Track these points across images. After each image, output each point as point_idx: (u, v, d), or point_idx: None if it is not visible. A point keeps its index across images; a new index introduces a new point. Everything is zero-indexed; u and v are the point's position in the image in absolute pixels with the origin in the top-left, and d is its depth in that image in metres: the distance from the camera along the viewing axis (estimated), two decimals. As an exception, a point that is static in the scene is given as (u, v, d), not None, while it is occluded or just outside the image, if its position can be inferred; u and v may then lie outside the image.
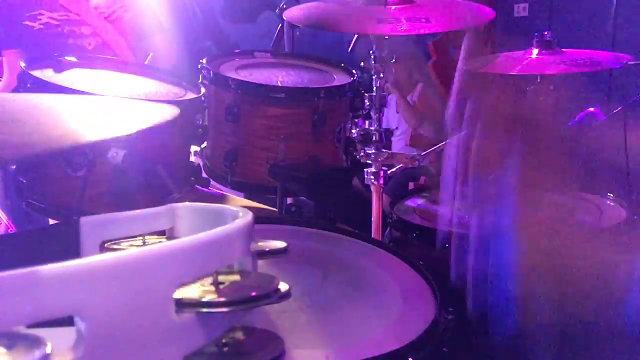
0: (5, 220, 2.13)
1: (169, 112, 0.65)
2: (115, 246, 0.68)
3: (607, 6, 4.06)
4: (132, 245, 0.69)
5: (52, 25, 2.35)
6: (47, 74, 1.56)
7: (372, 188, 1.88)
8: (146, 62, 2.53)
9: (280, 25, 2.55)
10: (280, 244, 0.68)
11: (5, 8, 2.38)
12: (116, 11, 2.42)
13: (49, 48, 2.28)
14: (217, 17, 3.99)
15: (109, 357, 0.41)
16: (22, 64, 1.52)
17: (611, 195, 1.77)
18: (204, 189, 1.78)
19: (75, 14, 2.36)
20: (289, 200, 1.96)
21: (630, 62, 1.91)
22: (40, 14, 2.34)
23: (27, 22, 2.34)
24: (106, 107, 0.72)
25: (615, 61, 2.00)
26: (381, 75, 1.84)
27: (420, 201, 1.86)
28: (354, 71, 1.84)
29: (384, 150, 1.86)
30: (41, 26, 2.34)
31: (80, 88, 1.52)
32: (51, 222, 1.69)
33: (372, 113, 1.84)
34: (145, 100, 1.57)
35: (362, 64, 1.87)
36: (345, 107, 1.76)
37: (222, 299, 0.48)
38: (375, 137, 1.84)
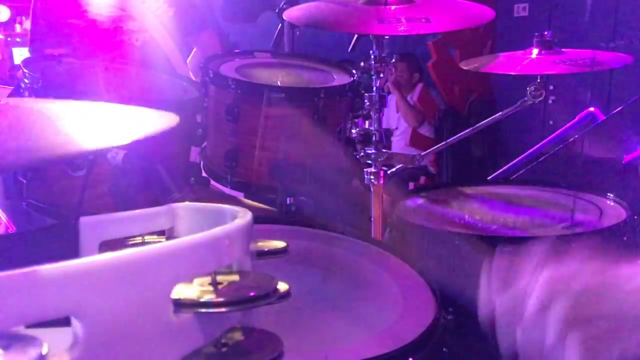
0: (5, 220, 2.13)
1: (168, 120, 0.65)
2: (114, 246, 0.68)
3: (607, 6, 4.06)
4: (131, 246, 0.69)
5: (98, 22, 2.29)
6: (47, 74, 1.56)
7: (372, 188, 1.88)
8: (189, 59, 2.52)
9: (280, 25, 2.55)
10: (280, 244, 0.68)
11: (50, 7, 2.35)
12: (162, 6, 2.39)
13: (94, 46, 2.25)
14: (217, 17, 3.99)
15: (106, 357, 0.41)
16: (22, 63, 1.52)
17: (611, 195, 1.77)
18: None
19: (122, 10, 2.31)
20: (289, 200, 1.96)
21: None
22: (86, 11, 2.28)
23: (73, 20, 2.28)
24: (106, 113, 0.72)
25: (615, 61, 2.00)
26: (381, 75, 1.84)
27: (420, 201, 1.86)
28: (354, 71, 1.84)
29: (384, 150, 1.86)
30: (86, 24, 2.28)
31: (79, 88, 1.52)
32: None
33: (372, 113, 1.84)
34: (145, 100, 1.57)
35: (362, 64, 1.87)
36: (345, 107, 1.76)
37: (220, 299, 0.48)
38: (375, 137, 1.84)
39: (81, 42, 2.28)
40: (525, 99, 2.10)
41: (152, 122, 0.65)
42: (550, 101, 4.20)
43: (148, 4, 2.36)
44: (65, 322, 0.40)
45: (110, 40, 2.29)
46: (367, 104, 1.83)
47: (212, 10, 2.83)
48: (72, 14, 2.29)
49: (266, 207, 1.94)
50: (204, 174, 1.78)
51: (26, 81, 1.47)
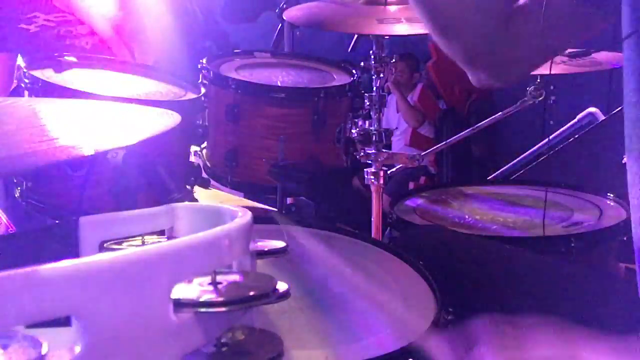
0: (5, 220, 2.13)
1: (171, 119, 0.65)
2: (114, 246, 0.68)
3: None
4: (131, 246, 0.69)
5: (48, 27, 2.35)
6: (46, 74, 1.56)
7: (372, 188, 1.88)
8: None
9: (280, 25, 2.56)
10: (280, 244, 0.68)
11: (2, 10, 2.40)
12: (112, 10, 2.43)
13: (46, 50, 2.30)
14: (217, 17, 4.00)
15: (106, 357, 0.41)
16: (22, 65, 1.52)
17: (611, 195, 1.77)
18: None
19: (71, 14, 2.36)
20: (289, 200, 1.96)
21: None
22: (36, 17, 2.33)
23: (22, 26, 2.33)
24: (106, 112, 0.72)
25: (615, 61, 2.00)
26: (381, 75, 1.84)
27: (420, 201, 1.86)
28: (354, 71, 1.84)
29: (384, 150, 1.86)
30: (37, 29, 2.34)
31: (80, 88, 1.52)
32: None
33: (372, 113, 1.84)
34: (145, 100, 1.57)
35: (362, 64, 1.87)
36: (345, 107, 1.76)
37: (220, 299, 0.48)
38: (375, 137, 1.84)
39: (33, 46, 2.33)
40: (525, 99, 2.10)
41: (154, 121, 0.65)
42: (550, 101, 4.19)
43: (97, 8, 2.41)
44: (65, 322, 0.40)
45: (61, 43, 2.34)
46: (367, 104, 1.83)
47: (188, 23, 2.91)
48: (22, 19, 2.35)
49: (266, 207, 1.95)
50: (204, 174, 1.78)
51: (26, 81, 1.47)
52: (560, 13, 0.96)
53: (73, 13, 2.36)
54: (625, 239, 1.54)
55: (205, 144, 1.82)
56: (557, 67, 1.90)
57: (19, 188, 1.55)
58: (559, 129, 3.00)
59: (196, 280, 0.50)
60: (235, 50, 2.09)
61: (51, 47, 2.30)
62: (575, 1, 0.94)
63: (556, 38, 1.01)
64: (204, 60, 1.79)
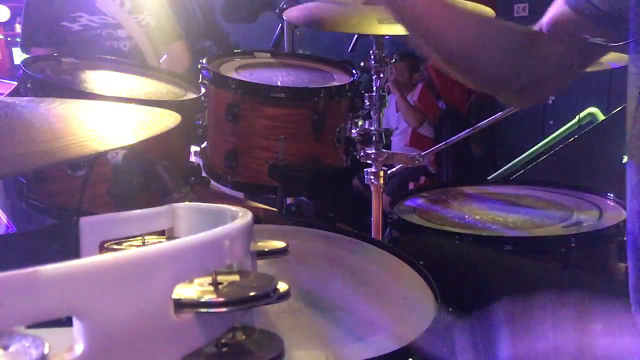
0: (5, 220, 2.13)
1: (171, 119, 0.65)
2: (115, 246, 0.68)
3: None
4: (131, 246, 0.69)
5: (91, 27, 2.48)
6: (47, 74, 1.56)
7: (372, 188, 1.88)
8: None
9: (280, 25, 2.56)
10: (280, 244, 0.68)
11: (44, 8, 2.51)
12: (145, 17, 2.57)
13: (85, 49, 2.38)
14: (217, 17, 4.01)
15: (107, 357, 0.41)
16: (22, 64, 1.52)
17: (611, 195, 1.77)
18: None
19: (112, 18, 2.50)
20: (289, 200, 1.96)
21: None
22: (80, 16, 2.48)
23: (65, 23, 2.47)
24: (106, 112, 0.72)
25: (615, 61, 2.00)
26: (381, 75, 1.84)
27: (420, 201, 1.86)
28: (354, 71, 1.84)
29: (384, 150, 1.86)
30: (80, 28, 2.48)
31: (80, 88, 1.52)
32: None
33: (372, 113, 1.84)
34: (145, 100, 1.57)
35: (362, 64, 1.87)
36: (345, 107, 1.76)
37: (221, 299, 0.48)
38: (375, 137, 1.84)
39: (72, 44, 2.42)
40: (525, 99, 2.08)
41: (154, 121, 0.65)
42: (550, 101, 4.19)
43: (135, 15, 2.55)
44: (66, 322, 0.40)
45: (100, 44, 2.47)
46: (367, 104, 1.83)
47: (188, 23, 3.03)
48: (65, 17, 2.46)
49: (266, 207, 1.94)
50: (204, 174, 1.78)
51: (26, 81, 1.47)
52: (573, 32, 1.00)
53: (115, 17, 2.51)
54: (625, 239, 1.54)
55: (205, 144, 1.82)
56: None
57: (19, 188, 1.55)
58: (559, 129, 3.01)
59: (197, 281, 0.50)
60: (235, 50, 2.09)
61: (90, 47, 2.43)
62: (582, 21, 0.98)
63: (578, 57, 1.08)
64: (204, 60, 1.79)
